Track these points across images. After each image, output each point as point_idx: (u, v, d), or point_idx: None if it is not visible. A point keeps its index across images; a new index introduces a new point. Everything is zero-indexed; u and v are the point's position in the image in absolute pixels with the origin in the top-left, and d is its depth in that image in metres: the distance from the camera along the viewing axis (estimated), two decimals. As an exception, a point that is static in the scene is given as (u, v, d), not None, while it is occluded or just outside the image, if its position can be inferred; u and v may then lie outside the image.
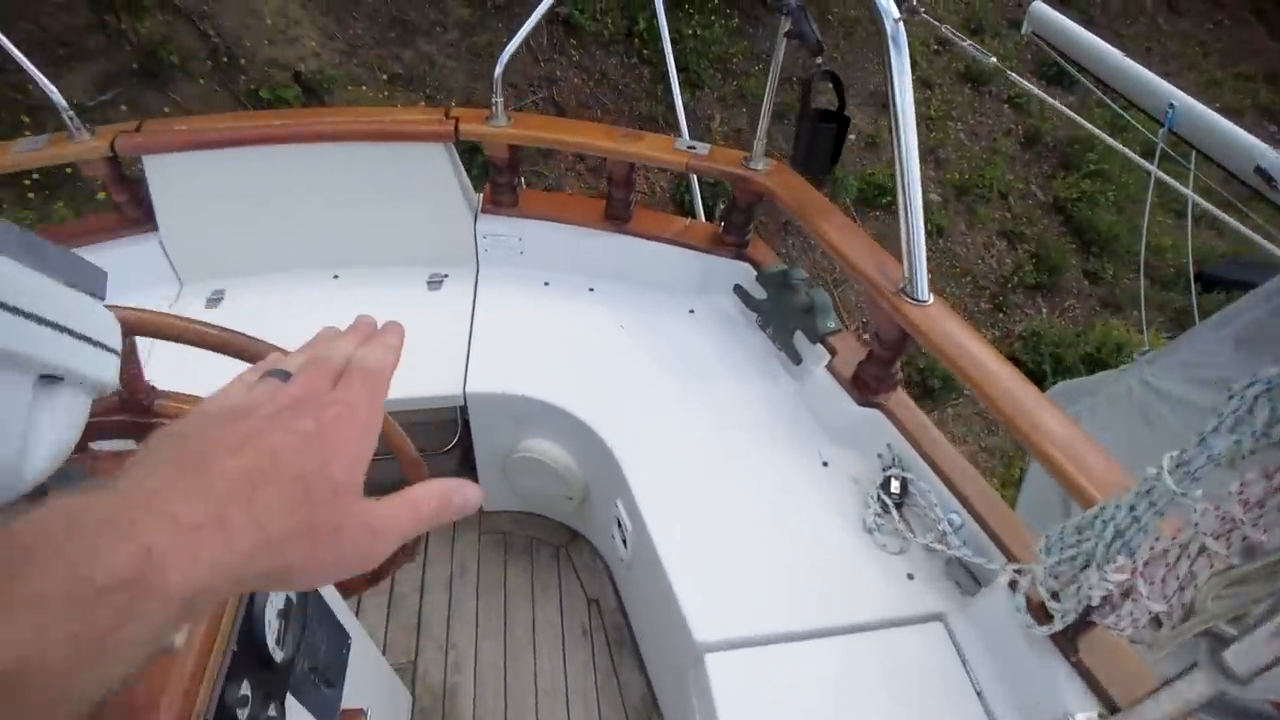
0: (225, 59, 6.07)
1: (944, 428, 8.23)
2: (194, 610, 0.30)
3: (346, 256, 2.19)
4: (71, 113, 1.81)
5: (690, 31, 8.25)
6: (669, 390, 1.92)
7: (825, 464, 1.74)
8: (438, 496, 0.42)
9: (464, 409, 1.91)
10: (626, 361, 2.00)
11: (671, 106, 8.59)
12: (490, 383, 1.88)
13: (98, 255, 2.17)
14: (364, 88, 6.73)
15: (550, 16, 8.04)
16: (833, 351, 1.82)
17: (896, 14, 1.37)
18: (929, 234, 9.58)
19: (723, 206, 1.94)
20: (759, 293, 2.05)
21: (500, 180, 2.11)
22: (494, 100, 1.91)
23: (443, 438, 2.09)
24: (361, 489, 0.38)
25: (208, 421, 0.37)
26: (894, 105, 1.41)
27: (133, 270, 2.08)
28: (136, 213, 2.03)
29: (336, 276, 2.18)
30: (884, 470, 1.66)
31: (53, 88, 1.79)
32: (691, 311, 2.14)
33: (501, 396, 1.86)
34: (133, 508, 0.29)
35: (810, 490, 1.68)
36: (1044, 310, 9.94)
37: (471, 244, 2.18)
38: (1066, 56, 2.90)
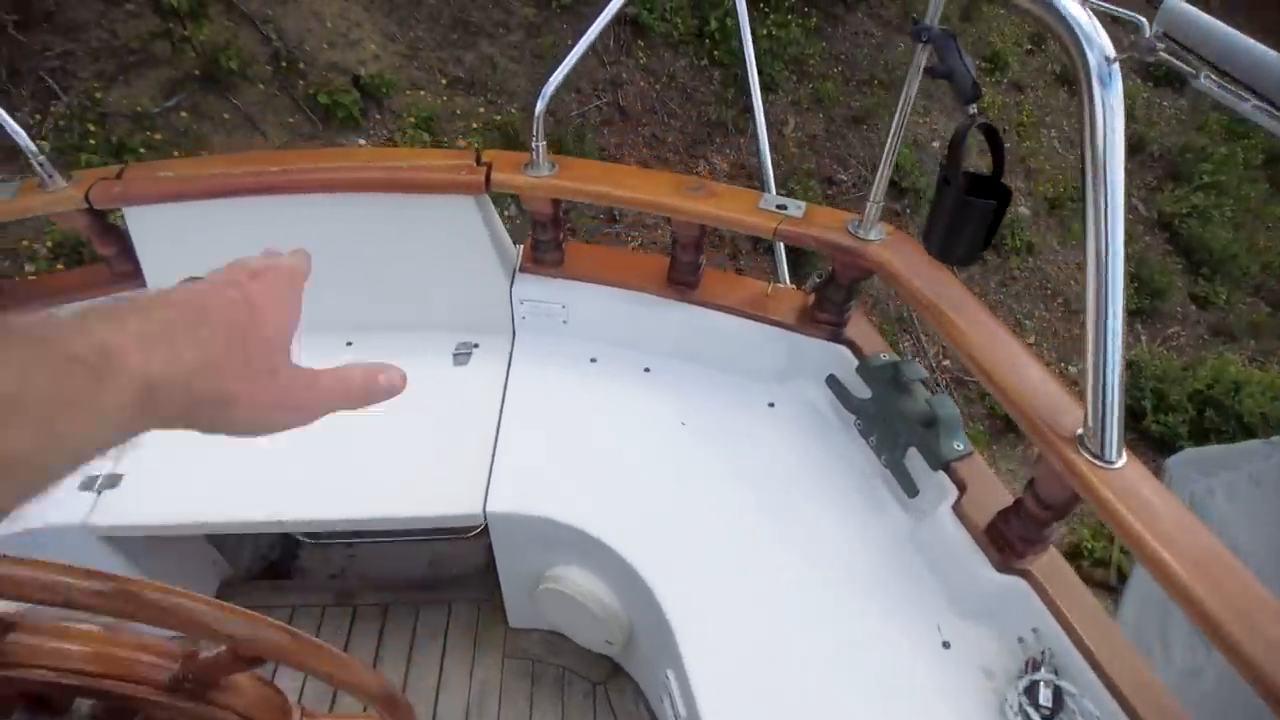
0: (285, 63, 5.94)
1: (1028, 465, 7.51)
2: (155, 402, 0.37)
3: (362, 320, 1.86)
4: (43, 159, 1.54)
5: (765, 31, 7.76)
6: (739, 517, 1.53)
7: (946, 644, 1.31)
8: (363, 372, 0.50)
9: (485, 528, 1.56)
10: (687, 473, 1.61)
11: (746, 111, 8.13)
12: (516, 499, 1.52)
13: None
14: (423, 92, 6.52)
15: (618, 17, 7.67)
16: (961, 487, 1.38)
17: (1111, 52, 0.93)
18: (1017, 250, 8.83)
19: (817, 278, 1.47)
20: (860, 389, 1.62)
21: (543, 237, 1.74)
22: (534, 144, 1.54)
23: (465, 546, 1.75)
24: (289, 355, 0.46)
25: (147, 292, 0.41)
26: (1094, 173, 0.97)
27: None
28: (126, 266, 1.75)
29: (350, 344, 1.86)
30: (1029, 668, 1.22)
31: (18, 128, 1.52)
32: (771, 405, 1.73)
33: (529, 519, 1.50)
34: (91, 320, 0.35)
35: (925, 681, 1.26)
36: (1143, 338, 9.02)
37: (507, 309, 1.83)
38: (1201, 55, 2.35)
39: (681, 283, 1.75)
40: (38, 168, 1.55)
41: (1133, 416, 7.64)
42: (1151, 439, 7.28)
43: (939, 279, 1.40)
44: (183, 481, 1.57)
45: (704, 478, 1.60)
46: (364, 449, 1.64)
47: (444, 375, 1.80)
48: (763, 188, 1.74)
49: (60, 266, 4.83)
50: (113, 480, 1.56)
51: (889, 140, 1.36)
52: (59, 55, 5.38)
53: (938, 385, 7.20)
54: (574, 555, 1.57)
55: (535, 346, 1.85)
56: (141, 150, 5.30)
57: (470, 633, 1.92)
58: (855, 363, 1.65)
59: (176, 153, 5.54)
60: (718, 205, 1.51)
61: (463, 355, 1.84)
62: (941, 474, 1.43)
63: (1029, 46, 10.88)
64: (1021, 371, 1.21)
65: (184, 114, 5.64)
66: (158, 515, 1.52)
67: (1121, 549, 6.26)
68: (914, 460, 1.51)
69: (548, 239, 1.75)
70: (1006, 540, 1.27)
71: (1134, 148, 10.14)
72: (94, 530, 1.50)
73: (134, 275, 1.76)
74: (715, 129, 7.71)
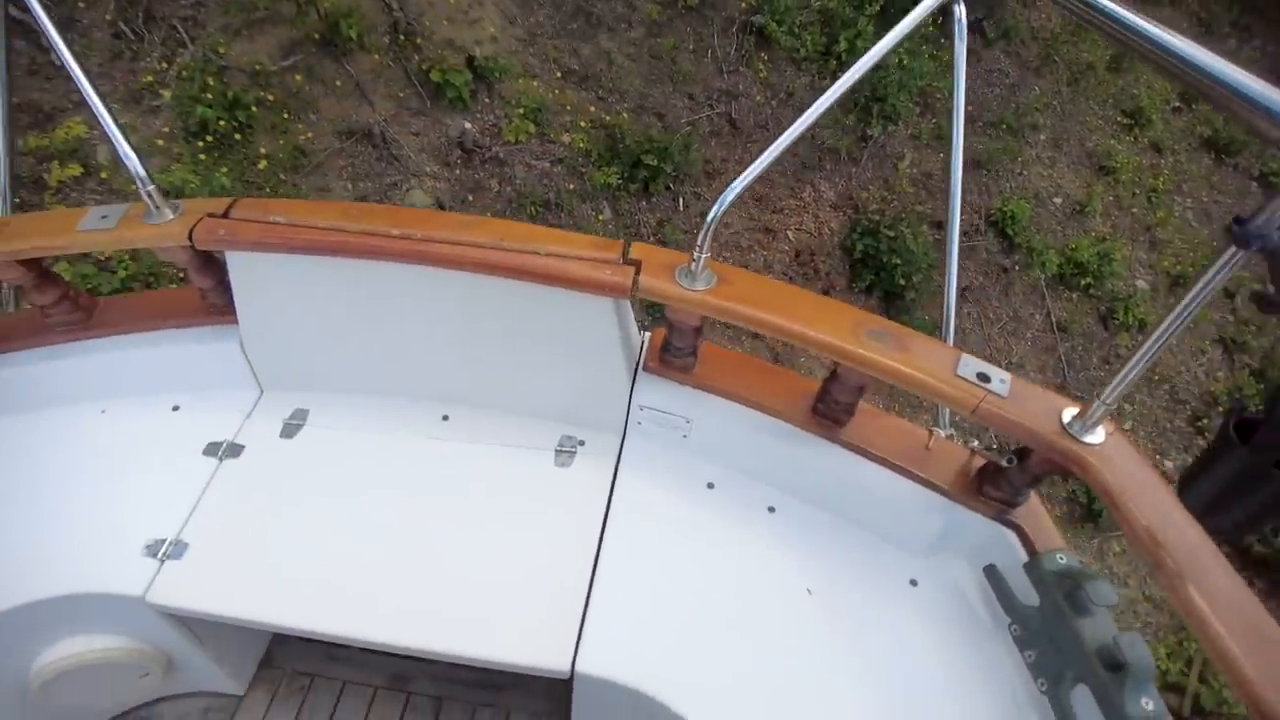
0: (403, 35, 5.86)
1: (1104, 559, 6.98)
2: None
3: (461, 394, 1.68)
4: (152, 188, 1.38)
5: (895, 60, 7.29)
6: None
7: None
8: None
9: (569, 682, 1.35)
10: (806, 653, 1.36)
11: (863, 141, 7.71)
12: (610, 661, 1.31)
13: (172, 344, 1.79)
14: (535, 81, 6.36)
15: (741, 25, 7.34)
16: None
17: None
18: (1127, 327, 8.16)
19: (1005, 459, 1.18)
20: (1026, 591, 1.35)
21: (679, 344, 1.51)
22: (697, 255, 1.31)
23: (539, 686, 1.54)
24: None
25: None
26: None
27: (210, 366, 1.67)
28: (220, 301, 1.60)
29: (446, 418, 1.68)
30: None
31: (130, 153, 1.37)
32: (914, 583, 1.47)
33: (622, 689, 1.29)
34: None
35: None
36: (1257, 442, 8.21)
37: (622, 410, 1.61)
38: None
39: (829, 417, 1.50)
40: (145, 197, 1.40)
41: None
42: None
43: (1172, 517, 1.11)
44: (246, 567, 1.42)
45: (825, 661, 1.36)
46: (446, 558, 1.45)
47: (544, 475, 1.59)
48: (943, 333, 1.47)
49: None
50: (177, 549, 1.42)
51: (1147, 344, 1.07)
52: (192, 4, 5.41)
53: (1131, 619, 6.47)
54: None
55: (648, 457, 1.63)
56: (253, 107, 5.30)
57: (525, 750, 1.74)
58: (1024, 558, 1.38)
59: (286, 113, 5.53)
60: (908, 363, 1.24)
61: (566, 453, 1.63)
62: None
63: (1176, 104, 10.04)
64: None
65: (298, 76, 5.62)
66: (216, 602, 1.37)
67: (1200, 678, 5.72)
68: (1082, 700, 1.23)
69: (684, 345, 1.52)
70: None
71: None
72: (151, 606, 1.37)
73: (226, 311, 1.61)
74: (827, 154, 7.33)
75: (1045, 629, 1.31)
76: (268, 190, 5.36)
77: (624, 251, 1.38)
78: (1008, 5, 9.16)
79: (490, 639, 1.33)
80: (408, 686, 1.79)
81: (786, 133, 1.24)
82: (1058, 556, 1.33)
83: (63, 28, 5.30)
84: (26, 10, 1.35)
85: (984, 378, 1.24)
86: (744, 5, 7.29)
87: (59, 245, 1.43)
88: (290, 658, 1.84)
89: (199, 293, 1.63)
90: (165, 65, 5.33)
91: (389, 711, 1.76)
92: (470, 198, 6.08)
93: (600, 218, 6.36)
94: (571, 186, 6.30)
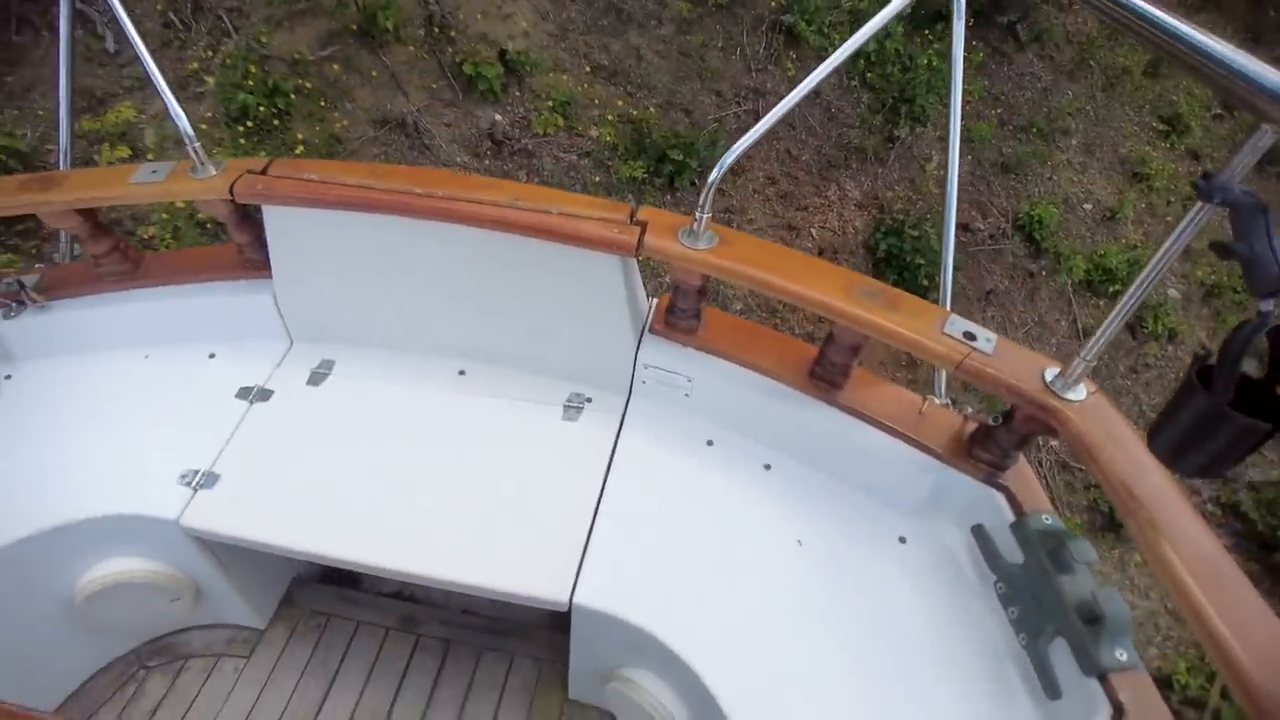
0: (438, 28, 6.01)
1: (1124, 570, 6.86)
2: None
3: (477, 350, 1.77)
4: (198, 145, 1.50)
5: (925, 61, 7.28)
6: (845, 668, 1.34)
7: None
8: None
9: (568, 620, 1.43)
10: (794, 601, 1.43)
11: (889, 141, 7.70)
12: (606, 596, 1.38)
13: (210, 296, 1.90)
14: (565, 75, 6.47)
15: (771, 24, 7.39)
16: (1118, 708, 1.15)
17: None
18: (1156, 336, 8.03)
19: (991, 418, 1.25)
20: (1011, 550, 1.39)
21: (683, 305, 1.58)
22: (699, 215, 1.38)
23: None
24: None
25: None
26: None
27: (245, 317, 1.78)
28: (256, 256, 1.71)
29: (463, 372, 1.77)
30: None
31: (180, 112, 1.49)
32: (902, 540, 1.52)
33: (616, 620, 1.36)
34: None
35: None
36: (1289, 457, 8.06)
37: (628, 370, 1.69)
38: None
39: (825, 380, 1.56)
40: (192, 153, 1.52)
41: (1264, 545, 6.88)
42: None
43: (1146, 470, 1.15)
44: (272, 498, 1.52)
45: (813, 611, 1.42)
46: (457, 498, 1.54)
47: (551, 428, 1.68)
48: (940, 300, 1.52)
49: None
50: (210, 479, 1.53)
51: (1124, 299, 1.12)
52: (236, -5, 5.61)
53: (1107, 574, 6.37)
54: (654, 663, 1.43)
55: (651, 415, 1.70)
56: (292, 95, 5.48)
57: (528, 692, 1.82)
58: (1011, 518, 1.42)
59: (323, 101, 5.71)
60: (895, 320, 1.30)
61: (573, 409, 1.71)
62: (1094, 683, 1.19)
63: (1217, 111, 9.85)
64: (1248, 624, 0.96)
65: (336, 65, 5.80)
66: (243, 528, 1.47)
67: (1222, 693, 5.62)
68: (1061, 653, 1.28)
69: (688, 307, 1.59)
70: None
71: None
72: (183, 529, 1.48)
73: (262, 267, 1.73)
74: (853, 153, 7.34)
75: (1028, 586, 1.36)
76: (304, 176, 5.55)
77: (632, 214, 1.46)
78: (1042, 8, 9.07)
79: (495, 571, 1.42)
80: (417, 629, 1.89)
81: (787, 98, 1.30)
82: (1043, 517, 1.37)
83: (113, 18, 5.50)
84: (87, 1, 1.47)
85: (970, 336, 1.30)
86: (774, 4, 7.33)
87: (113, 195, 1.54)
88: (309, 598, 1.94)
89: (237, 248, 1.74)
90: (210, 54, 5.54)
91: (399, 651, 1.85)
92: (498, 188, 6.22)
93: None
94: (598, 179, 6.40)
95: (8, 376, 1.72)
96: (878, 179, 7.35)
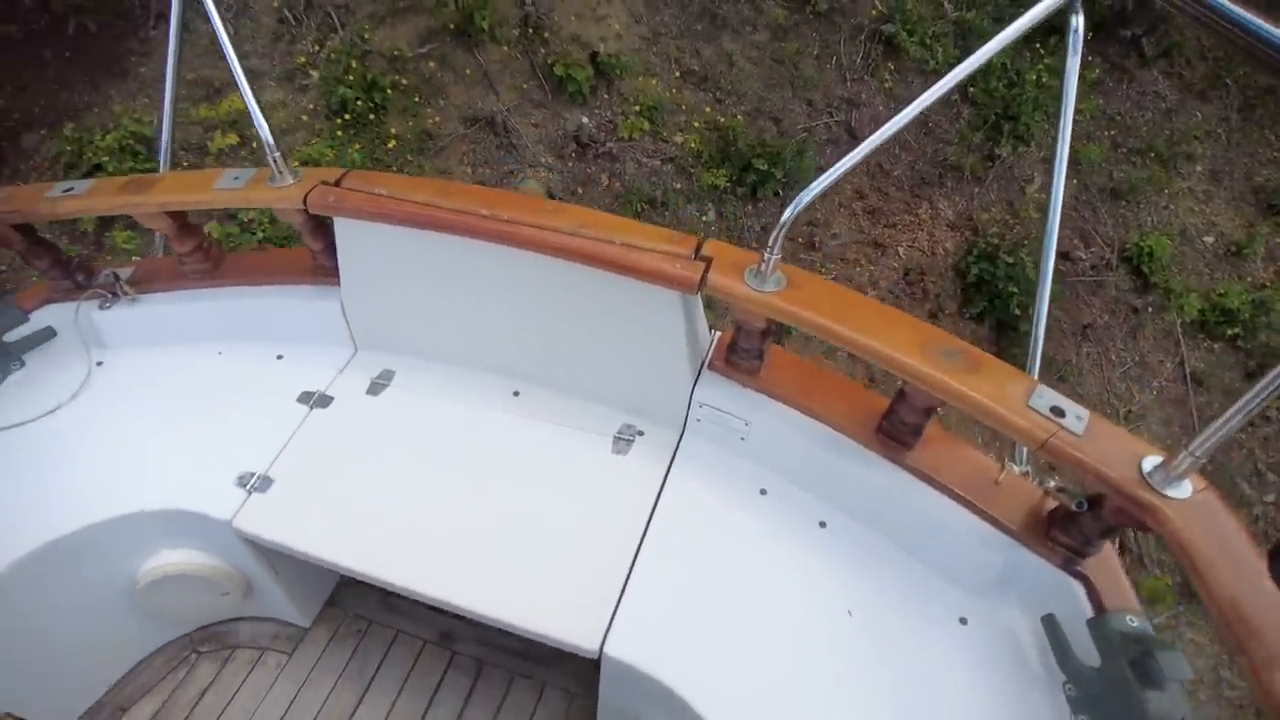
0: (532, 29, 6.08)
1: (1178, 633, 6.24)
2: None
3: (533, 373, 1.75)
4: (278, 154, 1.53)
5: (1033, 77, 6.86)
6: None
7: None
8: None
9: (599, 665, 1.38)
10: (843, 680, 1.33)
11: (989, 160, 7.30)
12: (639, 648, 1.32)
13: (283, 298, 1.95)
14: (654, 79, 6.44)
15: (870, 33, 7.12)
16: None
17: None
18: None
19: (1076, 503, 1.11)
20: (1086, 649, 1.25)
21: (745, 345, 1.50)
22: (767, 255, 1.30)
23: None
24: None
25: None
26: None
27: (314, 321, 1.82)
28: (328, 263, 1.74)
29: (517, 393, 1.75)
30: None
31: (264, 122, 1.53)
32: (963, 622, 1.40)
33: (647, 677, 1.30)
34: None
35: None
36: None
37: (682, 406, 1.63)
38: None
39: (894, 438, 1.45)
40: (271, 163, 1.55)
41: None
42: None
43: (1264, 591, 1.00)
44: (319, 508, 1.54)
45: (858, 690, 1.32)
46: (499, 526, 1.52)
47: (600, 459, 1.63)
48: (1028, 364, 1.38)
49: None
50: (264, 483, 1.56)
51: (1261, 385, 0.97)
52: (345, -8, 5.83)
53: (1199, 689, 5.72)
54: None
55: (703, 455, 1.63)
56: (388, 90, 5.66)
57: (556, 724, 1.78)
58: (1089, 612, 1.28)
59: (417, 98, 5.88)
60: (975, 386, 1.18)
61: (624, 441, 1.66)
62: None
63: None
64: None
65: (432, 62, 5.96)
66: (289, 535, 1.50)
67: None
68: None
69: (750, 347, 1.51)
70: None
71: None
72: (236, 531, 1.51)
73: (333, 274, 1.75)
74: (949, 171, 7.00)
75: (1104, 694, 1.22)
76: (395, 168, 5.72)
77: (696, 248, 1.39)
78: (1175, 21, 8.39)
79: (528, 609, 1.38)
80: (454, 645, 1.88)
81: (873, 136, 1.20)
82: (1128, 618, 1.23)
83: (236, 12, 5.83)
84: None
85: (1058, 411, 1.17)
86: (874, 13, 7.07)
87: (198, 200, 1.60)
88: (353, 601, 1.98)
89: (310, 254, 1.78)
90: (317, 48, 5.80)
91: (434, 665, 1.85)
92: (580, 190, 6.25)
93: (704, 219, 6.36)
94: (679, 186, 6.34)
95: (99, 363, 1.81)
96: (973, 199, 6.99)
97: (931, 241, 6.92)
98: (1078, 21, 1.29)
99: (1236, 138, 8.37)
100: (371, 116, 5.62)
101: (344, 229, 1.61)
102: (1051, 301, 6.28)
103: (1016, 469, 1.46)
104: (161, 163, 1.88)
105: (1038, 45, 7.30)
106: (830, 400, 1.52)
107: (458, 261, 1.58)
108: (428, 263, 1.61)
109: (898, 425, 1.43)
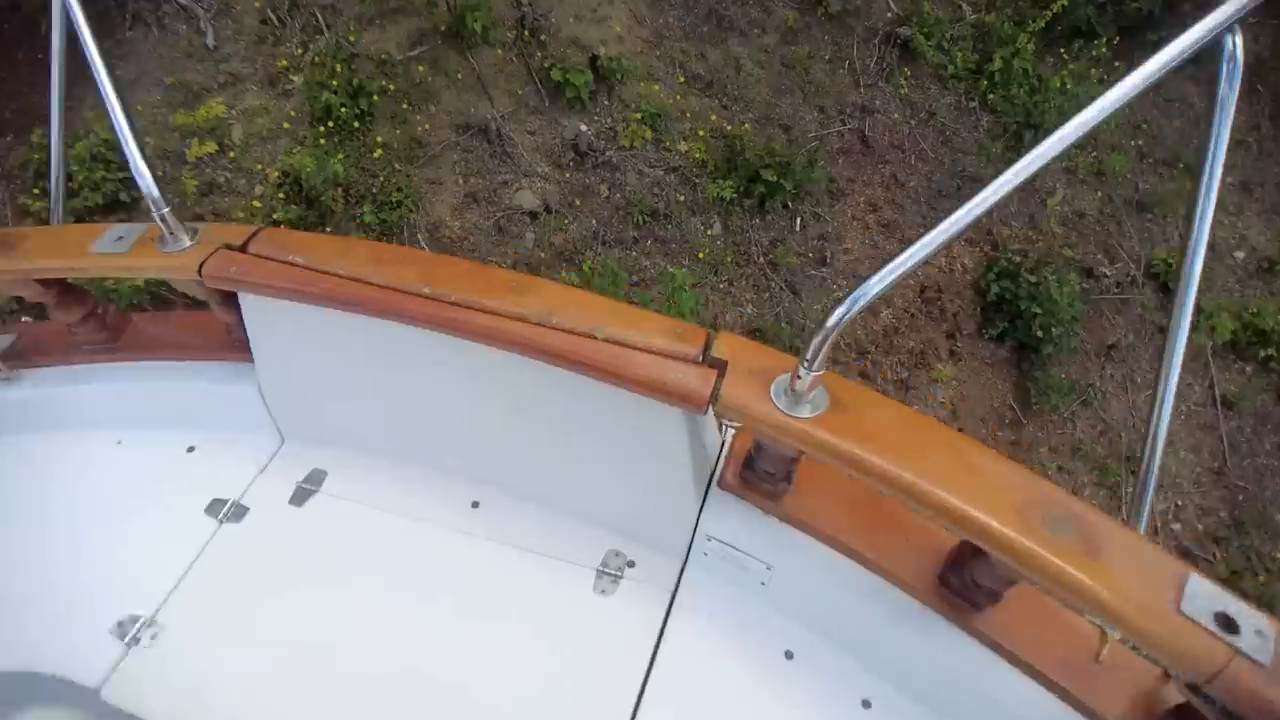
0: (528, 31, 5.73)
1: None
2: None
3: (496, 479, 1.40)
4: (166, 211, 1.18)
5: (1057, 84, 6.49)
6: None
7: None
8: None
9: None
10: None
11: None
12: None
13: (198, 377, 1.58)
14: (657, 85, 6.08)
15: (886, 36, 6.75)
16: None
17: None
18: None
19: (1205, 697, 0.72)
20: None
21: (768, 468, 1.16)
22: (806, 366, 0.96)
23: None
24: None
25: None
26: None
27: (233, 405, 1.48)
28: (244, 336, 1.41)
29: (476, 504, 1.40)
30: None
31: (146, 172, 1.18)
32: None
33: None
34: None
35: None
36: None
37: (686, 532, 1.28)
38: None
39: (962, 595, 1.10)
40: (159, 221, 1.20)
41: None
42: None
43: None
44: (222, 666, 1.22)
45: None
46: (455, 686, 1.18)
47: (579, 598, 1.28)
48: (1126, 515, 1.03)
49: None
50: (149, 632, 1.23)
51: None
52: (331, -7, 5.49)
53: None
54: None
55: (711, 598, 1.28)
56: (375, 96, 5.32)
57: None
58: None
59: (406, 104, 5.53)
60: (1094, 574, 0.83)
61: (609, 576, 1.31)
62: None
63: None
64: None
65: (422, 66, 5.61)
66: (179, 708, 1.16)
67: None
68: None
69: (775, 471, 1.16)
70: None
71: None
72: (104, 704, 1.17)
73: (246, 349, 1.41)
74: (967, 182, 6.63)
75: None
76: (381, 179, 5.37)
77: (706, 344, 1.04)
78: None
79: None
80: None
81: (949, 220, 0.86)
82: None
83: (217, 13, 5.45)
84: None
85: (1226, 623, 0.81)
86: (889, 16, 6.71)
87: (70, 267, 1.26)
88: None
89: (224, 326, 1.43)
90: (301, 51, 5.45)
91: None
92: (578, 201, 5.90)
93: (709, 232, 6.01)
94: (682, 198, 5.98)
95: None
96: (993, 213, 6.61)
97: (949, 258, 6.55)
98: (1234, 44, 0.93)
99: (1269, 146, 7.97)
100: (357, 124, 5.28)
101: (252, 306, 1.26)
102: (1075, 321, 5.88)
103: (1119, 638, 1.11)
104: (51, 212, 1.54)
105: (1061, 50, 6.93)
106: (881, 538, 1.17)
107: (396, 346, 1.23)
108: (355, 346, 1.26)
109: (967, 580, 1.08)
